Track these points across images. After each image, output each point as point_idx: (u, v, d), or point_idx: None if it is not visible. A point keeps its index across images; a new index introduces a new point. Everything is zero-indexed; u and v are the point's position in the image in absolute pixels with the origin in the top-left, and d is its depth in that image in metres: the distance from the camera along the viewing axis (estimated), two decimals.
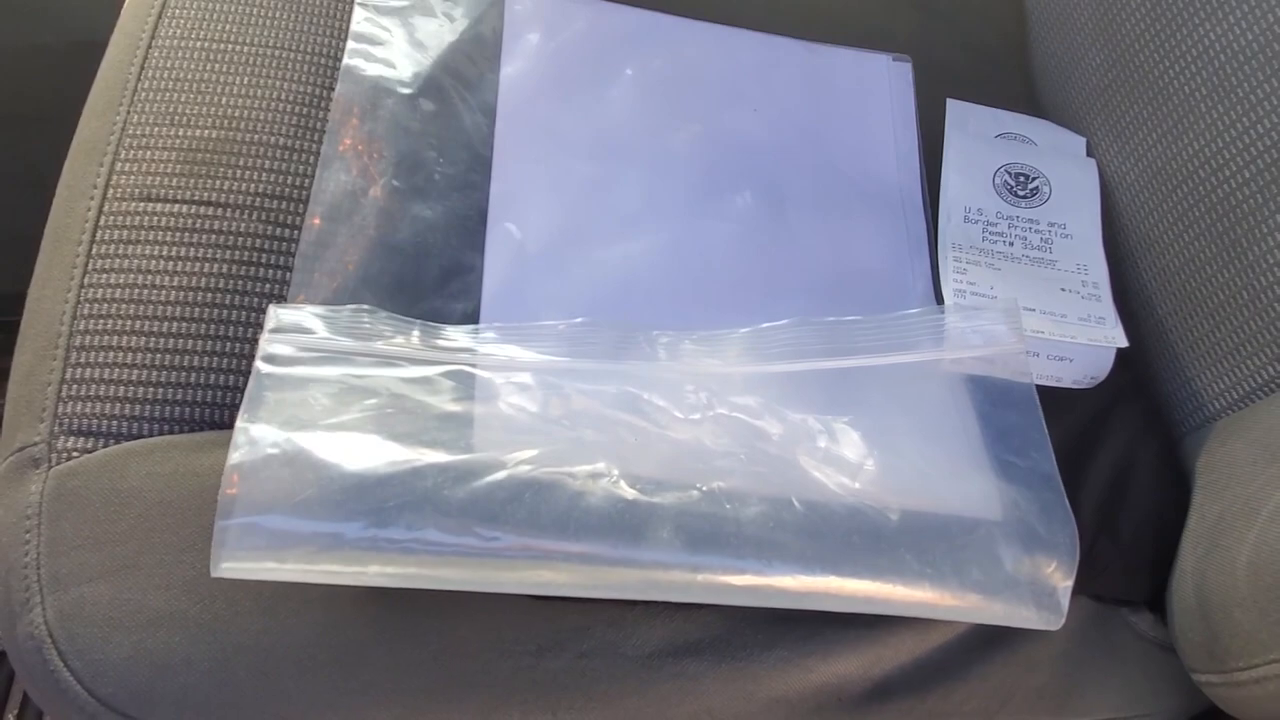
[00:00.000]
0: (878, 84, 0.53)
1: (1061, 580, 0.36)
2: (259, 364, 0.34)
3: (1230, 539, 0.36)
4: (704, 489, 0.34)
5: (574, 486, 0.32)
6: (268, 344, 0.35)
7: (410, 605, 0.33)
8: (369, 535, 0.30)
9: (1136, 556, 0.41)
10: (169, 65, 0.46)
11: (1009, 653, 0.39)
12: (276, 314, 0.36)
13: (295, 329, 0.36)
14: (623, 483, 0.33)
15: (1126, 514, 0.41)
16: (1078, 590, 0.37)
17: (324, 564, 0.30)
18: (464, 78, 0.45)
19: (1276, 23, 0.41)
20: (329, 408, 0.33)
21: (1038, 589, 0.35)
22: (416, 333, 0.37)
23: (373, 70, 0.44)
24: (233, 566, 0.30)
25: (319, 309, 0.37)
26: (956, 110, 0.53)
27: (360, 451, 0.32)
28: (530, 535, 0.31)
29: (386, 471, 0.31)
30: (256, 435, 0.31)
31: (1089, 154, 0.52)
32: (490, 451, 0.33)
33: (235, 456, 0.31)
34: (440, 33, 0.46)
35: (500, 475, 0.32)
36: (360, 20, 0.46)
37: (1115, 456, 0.42)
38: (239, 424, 0.32)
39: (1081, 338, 0.44)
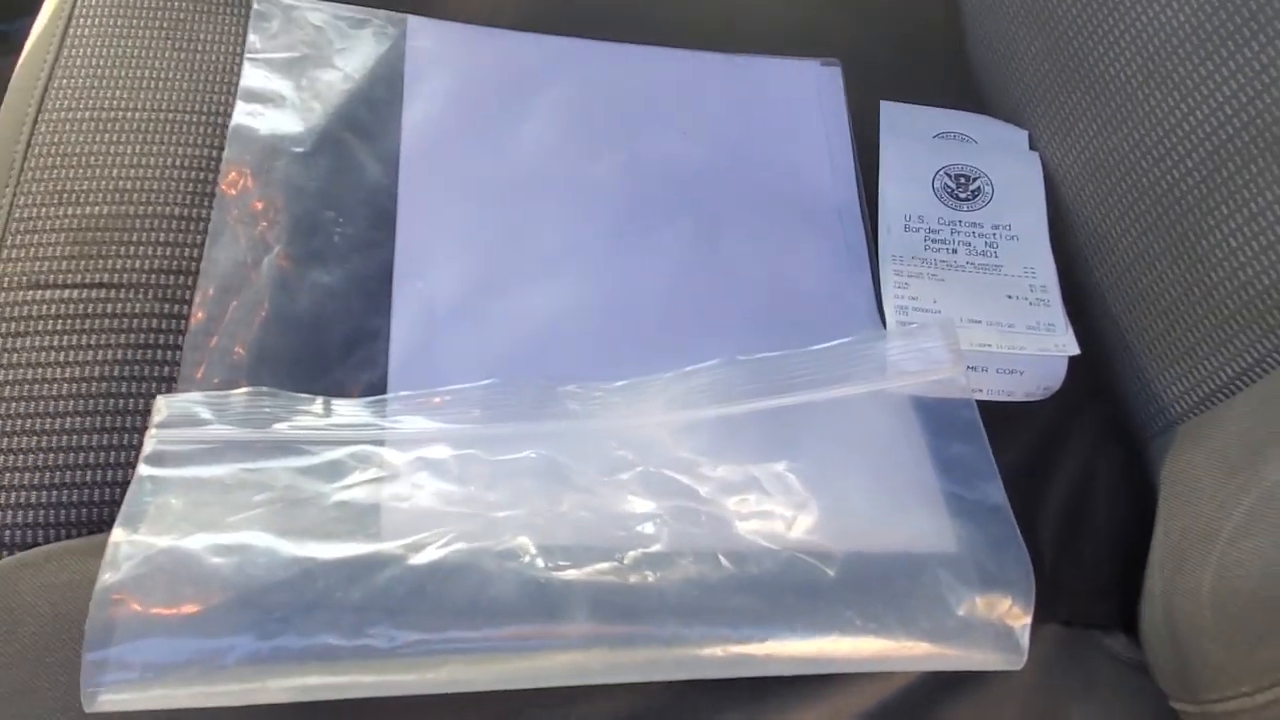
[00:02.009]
0: (807, 92, 0.51)
1: (1019, 618, 0.33)
2: (141, 467, 0.32)
3: (1193, 562, 0.34)
4: (624, 559, 0.32)
5: (483, 570, 0.30)
6: (153, 441, 0.33)
7: (325, 716, 0.31)
8: (259, 648, 0.28)
9: (1102, 578, 0.39)
10: (57, 139, 0.44)
11: (979, 690, 0.37)
12: (164, 405, 0.34)
13: (184, 420, 0.34)
14: (537, 560, 0.31)
15: (1089, 534, 0.39)
16: (1043, 618, 0.35)
17: (216, 684, 0.28)
18: (363, 128, 0.43)
19: (1206, 2, 0.39)
20: (218, 509, 0.31)
21: (994, 629, 0.33)
22: (318, 410, 0.35)
23: (265, 129, 0.42)
24: (112, 700, 0.28)
25: (211, 395, 0.35)
26: (891, 112, 0.51)
27: (250, 555, 0.30)
28: (434, 629, 0.29)
29: (278, 576, 0.29)
30: (134, 548, 0.29)
31: (1031, 147, 0.50)
32: (394, 540, 0.31)
33: (108, 576, 0.29)
34: (336, 83, 0.44)
35: (400, 567, 0.30)
36: (250, 76, 0.44)
37: (1074, 472, 0.40)
38: (114, 537, 0.30)
39: (1031, 348, 0.42)
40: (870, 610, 0.32)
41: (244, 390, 0.35)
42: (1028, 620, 0.33)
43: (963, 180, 0.48)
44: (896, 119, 0.51)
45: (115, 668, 0.28)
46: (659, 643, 0.30)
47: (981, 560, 0.34)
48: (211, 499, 0.31)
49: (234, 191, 0.41)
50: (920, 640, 0.32)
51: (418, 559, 0.30)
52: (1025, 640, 0.34)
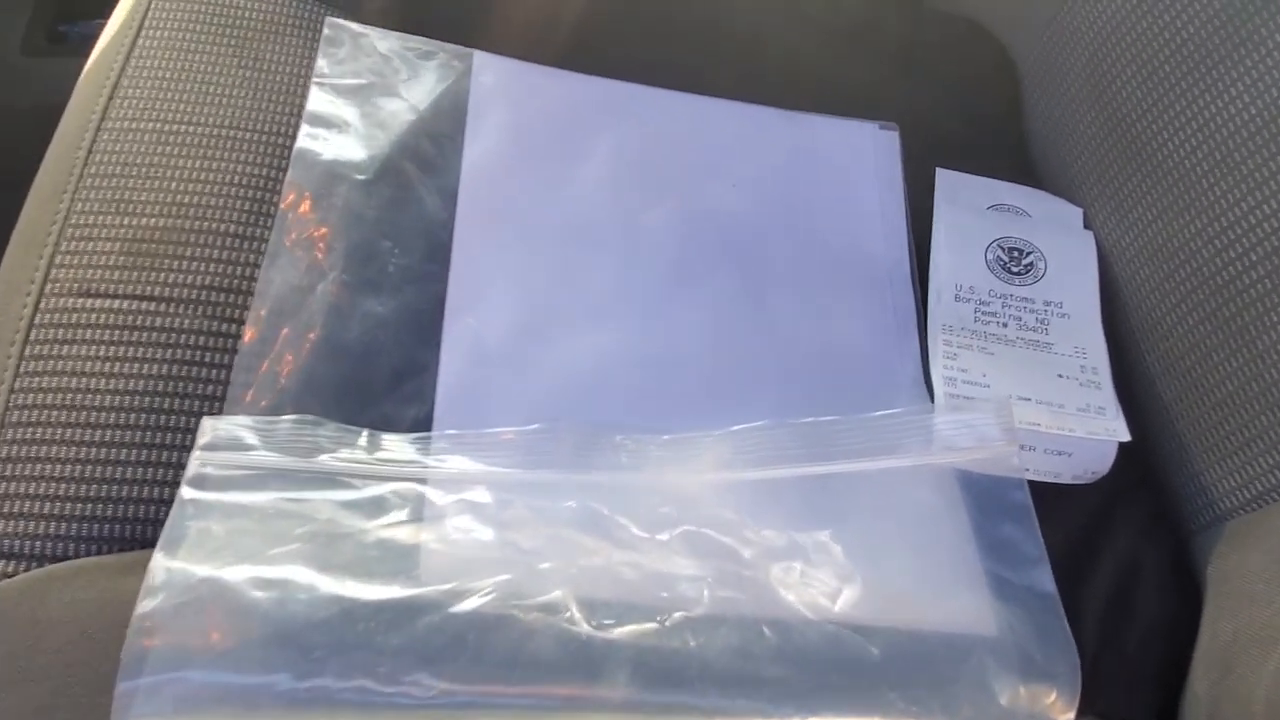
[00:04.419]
0: (863, 154, 0.50)
1: (1062, 713, 0.33)
2: (184, 489, 0.32)
3: (1246, 667, 0.33)
4: (666, 622, 0.31)
5: (524, 623, 0.30)
6: (196, 464, 0.32)
7: None
8: (295, 689, 0.28)
9: (1143, 671, 0.38)
10: (118, 149, 0.44)
11: None
12: (210, 427, 0.34)
13: (229, 444, 0.33)
14: (578, 616, 0.30)
15: (1132, 625, 0.38)
16: (1080, 710, 0.34)
17: None
18: (425, 160, 0.43)
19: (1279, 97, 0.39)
20: (259, 538, 0.31)
21: None
22: (363, 444, 0.35)
23: (328, 154, 0.42)
24: None
25: (257, 420, 0.34)
26: (946, 180, 0.50)
27: (289, 591, 0.29)
28: (472, 681, 0.29)
29: (317, 614, 0.29)
30: (173, 576, 0.29)
31: (1086, 226, 0.49)
32: (434, 585, 0.30)
33: (148, 603, 0.28)
34: (401, 113, 0.44)
35: (440, 615, 0.29)
36: (316, 100, 0.44)
37: (1119, 560, 0.39)
38: (154, 562, 0.29)
39: (1080, 430, 0.41)
40: (913, 693, 0.31)
41: (291, 417, 0.35)
42: (1071, 715, 0.33)
43: (1016, 254, 0.48)
44: (952, 187, 0.50)
45: (147, 698, 0.27)
46: (699, 713, 0.30)
47: (1027, 648, 0.33)
48: (252, 527, 0.31)
49: (293, 214, 0.40)
50: None
51: (458, 607, 0.30)
52: None
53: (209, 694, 0.27)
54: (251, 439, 0.33)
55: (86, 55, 0.48)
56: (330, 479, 0.33)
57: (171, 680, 0.27)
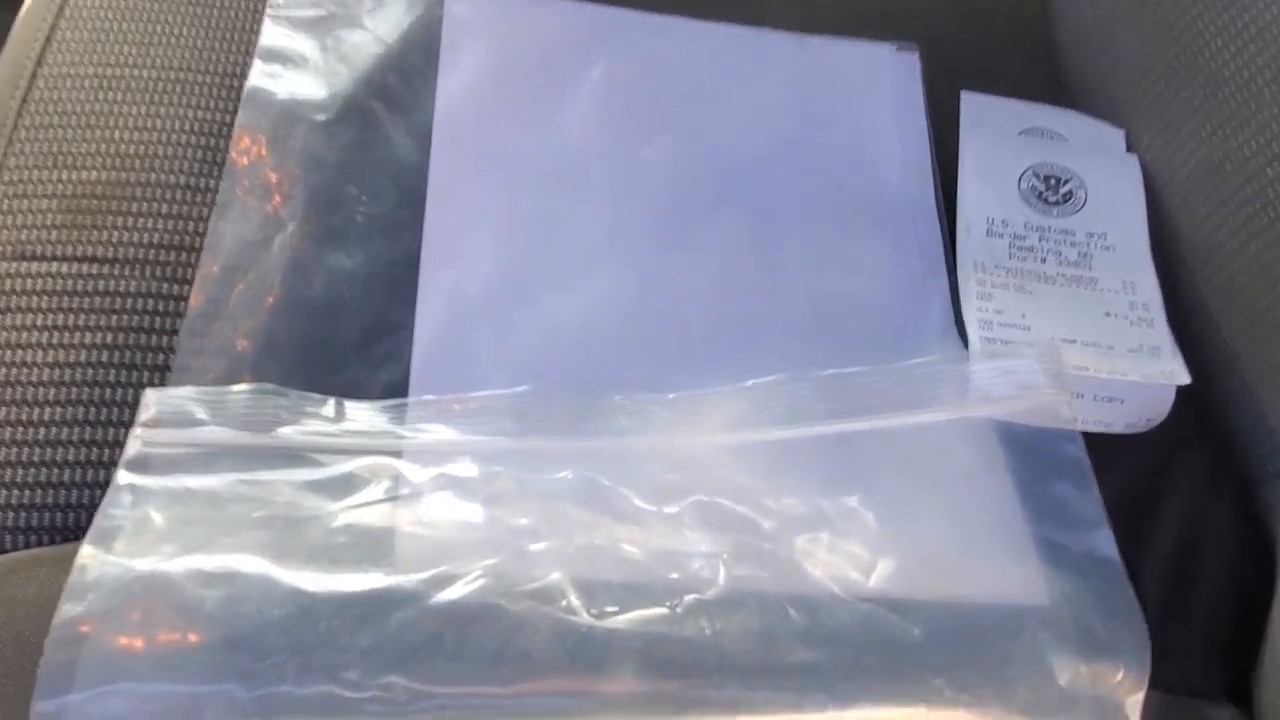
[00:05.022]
0: (880, 78, 0.46)
1: (1130, 692, 0.29)
2: (120, 473, 0.28)
3: None
4: (677, 606, 0.27)
5: (513, 615, 0.26)
6: (137, 442, 0.28)
7: None
8: (248, 698, 0.24)
9: (1214, 640, 0.34)
10: (55, 97, 0.40)
11: None
12: (154, 400, 0.30)
13: (175, 419, 0.29)
14: (576, 603, 0.27)
15: (1198, 589, 0.34)
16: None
17: None
18: (393, 97, 0.39)
19: None
20: (208, 526, 0.27)
21: (1101, 705, 0.29)
22: (329, 413, 0.31)
23: (283, 93, 0.38)
24: None
25: (207, 391, 0.30)
26: (973, 104, 0.46)
27: (241, 586, 0.25)
28: (453, 682, 0.25)
29: (273, 612, 0.25)
30: (104, 572, 0.25)
31: (1129, 148, 0.45)
32: (411, 573, 0.26)
33: (73, 606, 0.24)
34: (365, 45, 0.40)
35: (417, 608, 0.26)
36: (270, 34, 0.39)
37: (1182, 517, 0.36)
38: (81, 557, 0.26)
39: (1134, 374, 0.37)
40: (961, 678, 0.27)
41: (246, 387, 0.31)
42: (1141, 695, 0.29)
43: (1053, 182, 0.43)
44: (979, 111, 0.46)
45: (80, 713, 0.23)
46: (718, 708, 0.26)
47: (1088, 621, 0.29)
48: (200, 514, 0.27)
49: (246, 160, 0.36)
50: (1017, 715, 0.28)
51: (438, 598, 0.26)
52: (1136, 718, 0.29)
53: (148, 709, 0.24)
54: (201, 412, 0.30)
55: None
56: (291, 456, 0.29)
57: (101, 694, 0.23)
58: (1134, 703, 0.29)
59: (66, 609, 0.25)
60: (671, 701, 0.26)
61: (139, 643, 0.24)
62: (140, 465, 0.28)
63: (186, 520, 0.27)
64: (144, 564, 0.25)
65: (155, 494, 0.27)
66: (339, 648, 0.25)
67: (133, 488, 0.27)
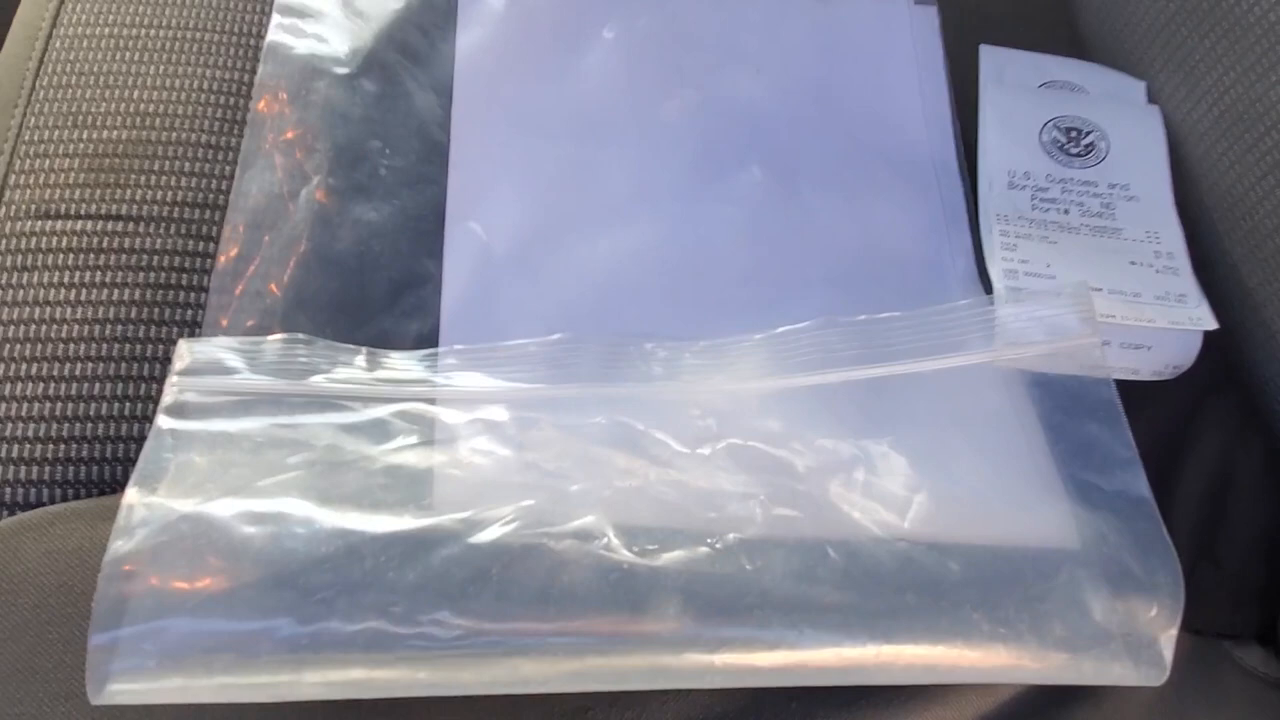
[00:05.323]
0: (899, 32, 0.46)
1: (1164, 628, 0.29)
2: (160, 418, 0.28)
3: None
4: (718, 544, 0.27)
5: (555, 553, 0.26)
6: (174, 390, 0.28)
7: (368, 713, 0.27)
8: (297, 634, 0.24)
9: (1243, 583, 0.34)
10: (72, 58, 0.39)
11: (1093, 706, 0.33)
12: (187, 350, 0.30)
13: (210, 368, 0.29)
14: (616, 543, 0.27)
15: (1229, 533, 0.34)
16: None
17: (245, 676, 0.24)
18: (413, 51, 0.39)
19: None
20: (249, 469, 0.27)
21: (1136, 640, 0.29)
22: (362, 363, 0.31)
23: (302, 47, 0.38)
24: (122, 690, 0.23)
25: (240, 341, 0.30)
26: (991, 58, 0.46)
27: (286, 525, 0.26)
28: (501, 619, 0.25)
29: (319, 550, 0.25)
30: (151, 513, 0.25)
31: (1150, 100, 0.45)
32: (450, 514, 0.26)
33: (122, 544, 0.24)
34: None
35: (460, 546, 0.26)
36: None
37: (1210, 463, 0.36)
38: (128, 498, 0.26)
39: (1161, 320, 0.37)
40: (1000, 614, 0.28)
41: (278, 337, 0.31)
42: (1174, 631, 0.29)
43: (1074, 134, 0.43)
44: (998, 64, 0.45)
45: (126, 653, 0.23)
46: (761, 645, 0.26)
47: (1122, 559, 0.29)
48: (241, 458, 0.27)
49: (269, 115, 0.36)
50: (1053, 650, 0.28)
51: (479, 537, 0.26)
52: (1170, 653, 0.29)
53: (198, 643, 0.24)
54: (235, 361, 0.29)
55: None
56: (326, 402, 0.29)
57: (154, 629, 0.23)
58: (1167, 638, 0.29)
59: (117, 546, 0.25)
60: (714, 640, 0.26)
61: (189, 579, 0.24)
62: (178, 411, 0.28)
63: (227, 463, 0.27)
64: (189, 505, 0.26)
65: (196, 438, 0.27)
66: (386, 585, 0.25)
67: (174, 432, 0.27)
